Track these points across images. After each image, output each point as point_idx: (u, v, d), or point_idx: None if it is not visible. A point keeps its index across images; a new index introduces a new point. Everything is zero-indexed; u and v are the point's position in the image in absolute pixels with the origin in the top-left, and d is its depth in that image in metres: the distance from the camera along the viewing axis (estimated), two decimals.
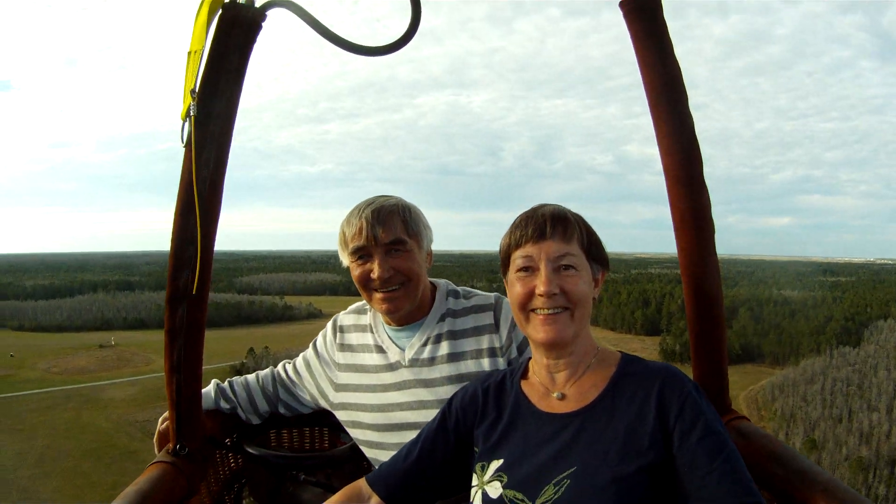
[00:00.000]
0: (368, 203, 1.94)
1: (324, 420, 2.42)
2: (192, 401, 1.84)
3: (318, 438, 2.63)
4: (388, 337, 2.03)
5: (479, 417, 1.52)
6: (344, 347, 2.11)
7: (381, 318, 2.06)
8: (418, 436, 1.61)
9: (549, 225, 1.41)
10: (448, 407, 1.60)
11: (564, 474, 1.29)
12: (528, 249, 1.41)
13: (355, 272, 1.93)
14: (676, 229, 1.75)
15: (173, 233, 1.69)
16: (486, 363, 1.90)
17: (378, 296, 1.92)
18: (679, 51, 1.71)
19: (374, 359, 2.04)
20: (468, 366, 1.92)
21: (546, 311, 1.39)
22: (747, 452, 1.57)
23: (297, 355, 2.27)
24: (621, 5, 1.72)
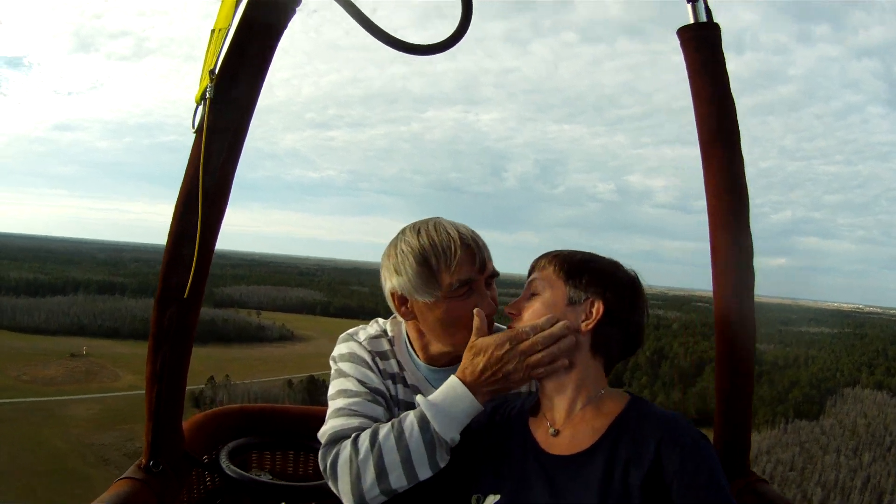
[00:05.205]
0: (455, 225, 1.63)
1: (309, 445, 2.29)
2: (171, 413, 1.66)
3: (301, 464, 2.41)
4: (425, 378, 1.77)
5: (486, 444, 1.54)
6: (385, 375, 1.76)
7: (414, 355, 1.78)
8: None
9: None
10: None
11: None
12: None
13: (457, 308, 1.58)
14: (715, 276, 1.67)
15: (172, 226, 1.53)
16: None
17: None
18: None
19: (410, 397, 1.75)
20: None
21: None
22: None
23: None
24: (679, 32, 1.62)
